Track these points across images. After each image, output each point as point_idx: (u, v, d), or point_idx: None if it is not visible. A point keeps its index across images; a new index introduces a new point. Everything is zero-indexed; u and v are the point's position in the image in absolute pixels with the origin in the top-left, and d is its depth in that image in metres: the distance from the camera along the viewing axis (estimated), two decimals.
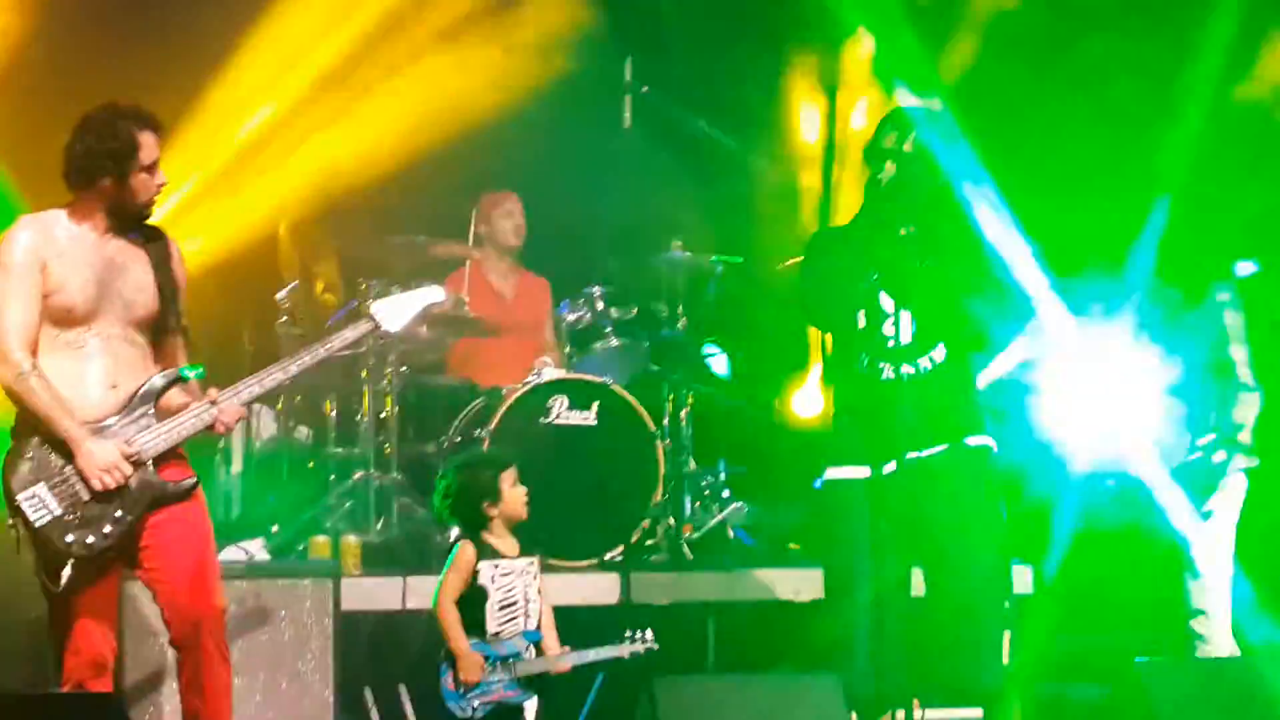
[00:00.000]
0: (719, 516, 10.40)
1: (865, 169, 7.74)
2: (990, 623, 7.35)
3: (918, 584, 7.57)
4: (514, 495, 7.60)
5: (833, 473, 7.63)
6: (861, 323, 7.59)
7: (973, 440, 7.54)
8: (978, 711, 7.93)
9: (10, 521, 6.81)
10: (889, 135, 7.65)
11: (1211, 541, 8.58)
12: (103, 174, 6.94)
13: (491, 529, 7.58)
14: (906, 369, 7.50)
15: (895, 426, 7.36)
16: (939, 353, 7.54)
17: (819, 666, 7.36)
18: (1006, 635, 7.37)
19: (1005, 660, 7.36)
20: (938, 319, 7.55)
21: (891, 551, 7.40)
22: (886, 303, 7.56)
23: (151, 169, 6.97)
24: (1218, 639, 8.52)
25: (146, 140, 6.93)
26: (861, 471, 7.39)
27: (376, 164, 11.34)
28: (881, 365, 7.54)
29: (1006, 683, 7.39)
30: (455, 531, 7.87)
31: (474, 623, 7.46)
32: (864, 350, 7.60)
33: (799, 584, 9.40)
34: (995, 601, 7.39)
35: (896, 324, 7.49)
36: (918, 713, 7.89)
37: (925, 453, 7.45)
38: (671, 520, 10.01)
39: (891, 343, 7.49)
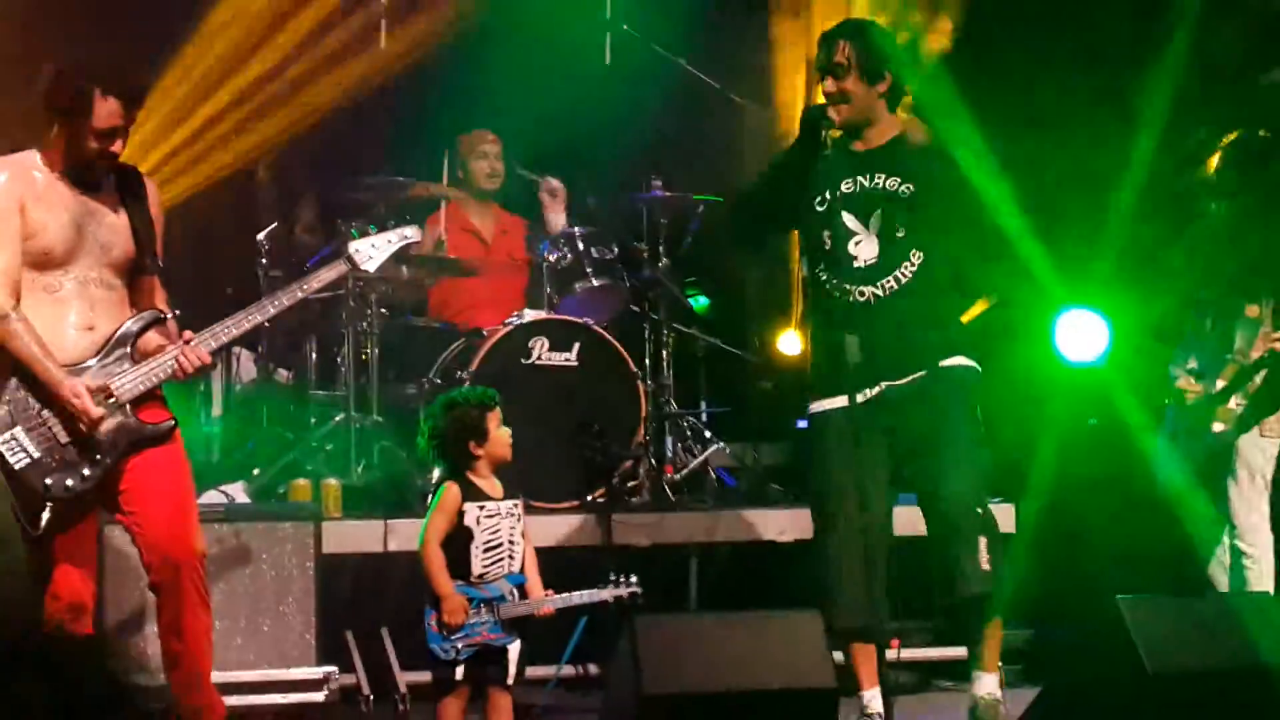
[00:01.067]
0: (700, 457, 10.40)
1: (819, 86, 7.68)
2: (971, 534, 7.35)
3: (901, 522, 7.56)
4: (499, 435, 7.57)
5: (815, 406, 7.61)
6: (827, 244, 7.54)
7: (950, 362, 7.49)
8: (957, 651, 7.96)
9: None
10: (838, 49, 7.59)
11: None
12: (56, 121, 6.87)
13: (476, 470, 7.55)
14: (871, 290, 7.45)
15: (867, 354, 7.33)
16: (905, 272, 7.47)
17: (802, 606, 7.35)
18: (983, 541, 7.36)
19: (986, 567, 7.36)
20: (905, 239, 7.48)
21: (874, 484, 7.39)
22: (851, 222, 7.53)
23: (104, 135, 6.83)
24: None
25: (105, 106, 6.78)
26: (840, 402, 7.37)
27: (355, 102, 11.31)
28: (847, 287, 7.50)
29: (993, 588, 7.41)
30: (437, 473, 7.85)
31: (459, 564, 7.44)
32: (829, 272, 7.56)
33: (782, 525, 9.40)
34: (974, 514, 7.38)
35: (861, 243, 7.47)
36: (892, 653, 7.91)
37: (901, 381, 7.43)
38: (653, 461, 10.00)
39: (856, 263, 7.46)
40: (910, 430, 7.43)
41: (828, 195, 7.52)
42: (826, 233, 7.53)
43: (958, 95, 8.36)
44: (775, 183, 7.59)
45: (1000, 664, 7.61)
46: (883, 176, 7.51)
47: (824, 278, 7.58)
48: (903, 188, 7.50)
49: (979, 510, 7.41)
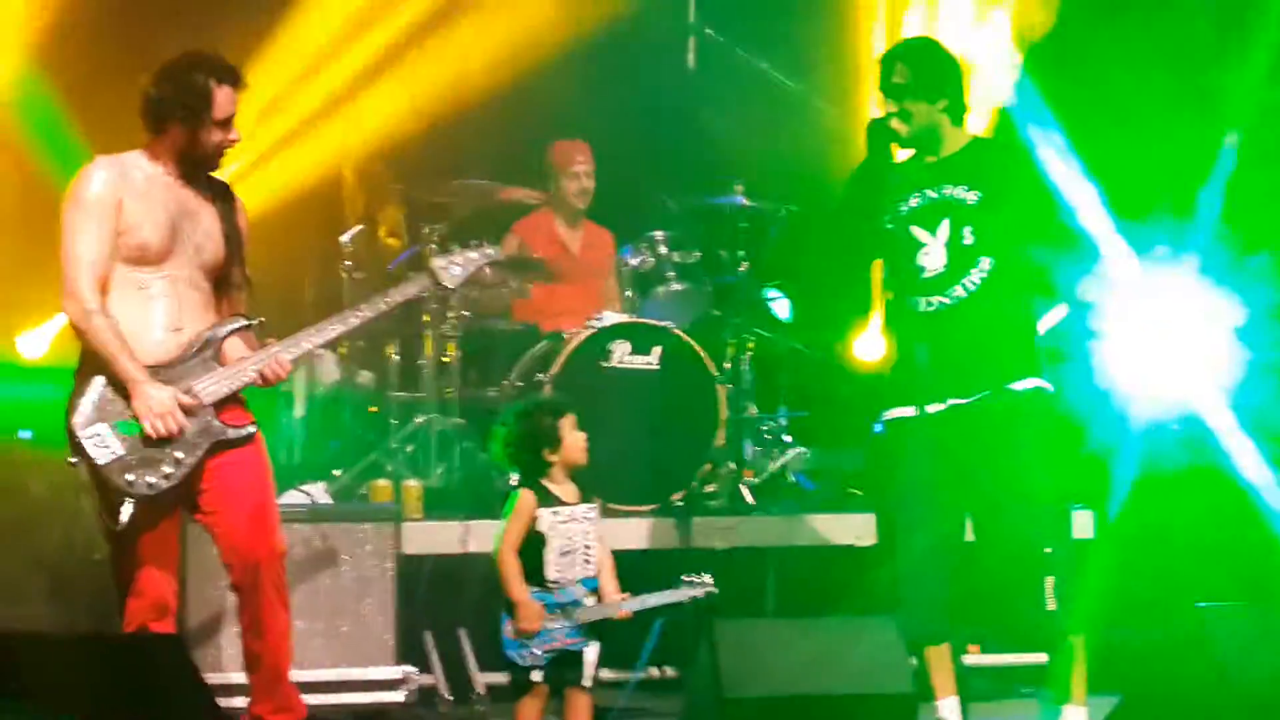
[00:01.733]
0: (780, 461, 10.39)
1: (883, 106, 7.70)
2: (1031, 570, 7.32)
3: (969, 528, 7.54)
4: (574, 441, 7.59)
5: (888, 414, 7.62)
6: (900, 257, 7.56)
7: (1019, 385, 7.45)
8: (1036, 656, 7.92)
9: (73, 459, 6.87)
10: (896, 70, 7.62)
11: None
12: (175, 121, 7.00)
13: (551, 475, 7.58)
14: (939, 299, 7.45)
15: (938, 364, 7.33)
16: (973, 281, 7.45)
17: (878, 611, 7.35)
18: (1050, 581, 7.32)
19: (1051, 606, 7.32)
20: (973, 247, 7.48)
21: (945, 493, 7.38)
22: (920, 234, 7.54)
23: (225, 124, 7.02)
24: None
25: (222, 95, 6.98)
26: (910, 411, 7.39)
27: (442, 106, 11.35)
28: (916, 299, 7.51)
29: (1051, 628, 7.37)
30: (515, 477, 7.89)
31: (533, 569, 7.47)
32: (902, 285, 7.58)
33: (859, 529, 9.38)
34: (1037, 548, 7.34)
35: (924, 253, 7.48)
36: (971, 658, 7.90)
37: (968, 400, 7.41)
38: (732, 465, 10.00)
39: (925, 273, 7.47)
40: (972, 454, 7.39)
41: (900, 209, 7.56)
42: (899, 246, 7.56)
43: (1044, 93, 8.36)
44: (851, 202, 7.63)
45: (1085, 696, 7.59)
46: (950, 186, 7.53)
47: (897, 290, 7.61)
48: (969, 195, 7.50)
49: (1042, 550, 7.35)
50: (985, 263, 7.46)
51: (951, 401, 7.40)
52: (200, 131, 6.99)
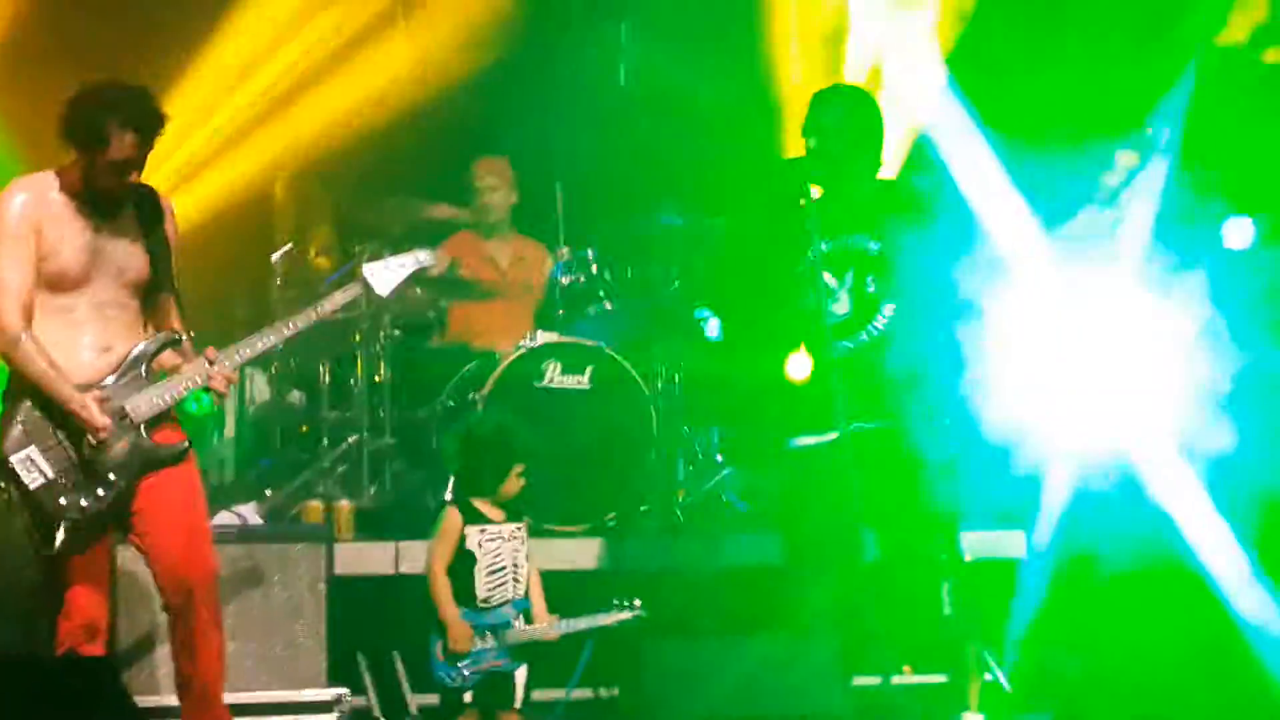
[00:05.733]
0: (712, 481, 10.39)
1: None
2: (931, 582, 7.45)
3: (872, 547, 7.68)
4: (516, 483, 7.62)
5: (794, 441, 7.83)
6: (811, 301, 7.75)
7: (917, 410, 7.69)
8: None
9: (1, 485, 6.82)
10: (822, 114, 7.75)
11: None
12: (74, 150, 6.91)
13: (483, 495, 7.58)
14: (845, 343, 7.58)
15: (842, 396, 7.49)
16: (876, 326, 7.62)
17: (812, 631, 7.39)
18: (945, 587, 7.46)
19: (946, 611, 7.46)
20: (877, 296, 7.64)
21: (845, 517, 7.52)
22: (830, 280, 7.65)
23: (121, 167, 6.87)
24: None
25: (122, 140, 6.82)
26: (814, 439, 7.69)
27: (371, 122, 11.33)
28: (826, 340, 7.69)
29: (949, 635, 7.51)
30: (448, 492, 7.89)
31: (463, 589, 7.47)
32: (811, 326, 7.76)
33: None
34: (930, 560, 7.51)
35: (834, 300, 7.65)
36: (901, 678, 7.97)
37: (871, 425, 7.54)
38: (665, 485, 9.99)
39: (835, 318, 7.59)
40: (872, 473, 7.58)
41: (810, 255, 7.66)
42: (811, 290, 7.73)
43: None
44: (767, 242, 7.76)
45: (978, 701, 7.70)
46: (856, 235, 7.69)
47: (809, 332, 7.77)
48: (872, 244, 7.67)
49: (941, 557, 7.48)
50: (888, 309, 7.70)
51: (854, 426, 7.49)
52: (93, 167, 6.88)
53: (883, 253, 7.72)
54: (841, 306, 7.70)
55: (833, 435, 7.63)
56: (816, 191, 7.75)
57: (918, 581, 7.53)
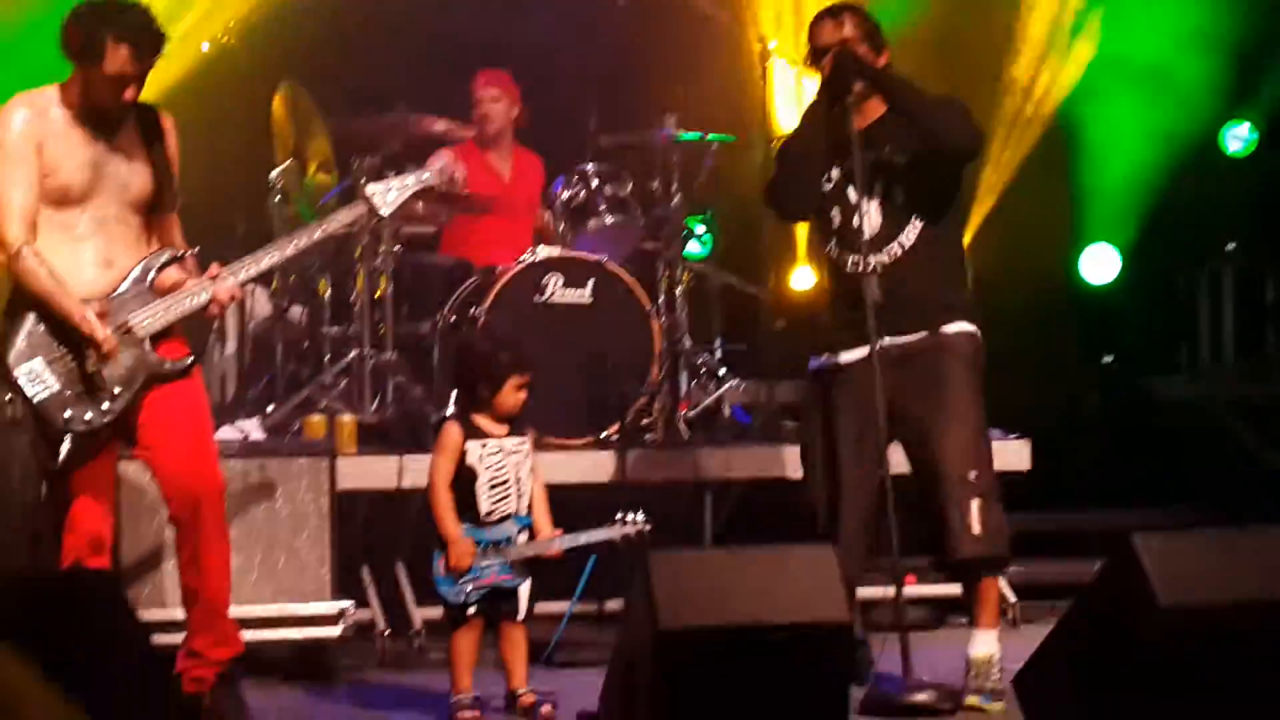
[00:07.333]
0: (715, 394, 10.40)
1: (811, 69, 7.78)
2: (962, 499, 7.42)
3: (898, 462, 7.63)
4: (512, 395, 7.58)
5: (814, 362, 7.80)
6: (836, 220, 7.63)
7: (949, 327, 7.61)
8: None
9: (8, 397, 6.82)
10: (820, 30, 7.67)
11: None
12: (74, 63, 6.88)
13: (481, 409, 7.57)
14: (877, 259, 7.52)
15: (870, 314, 7.40)
16: (908, 237, 7.57)
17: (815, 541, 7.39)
18: (975, 504, 7.44)
19: (977, 531, 7.45)
20: (905, 206, 7.58)
21: (872, 433, 7.49)
22: (853, 196, 7.58)
23: (117, 81, 6.82)
24: None
25: (117, 53, 6.77)
26: (845, 357, 7.60)
27: (368, 36, 11.29)
28: (852, 258, 7.59)
29: (988, 550, 7.51)
30: (449, 409, 7.89)
31: (466, 503, 7.47)
32: (835, 243, 7.69)
33: (796, 461, 9.38)
34: (966, 481, 7.46)
35: (862, 216, 7.54)
36: (909, 588, 7.97)
37: (901, 340, 7.49)
38: (668, 398, 10.01)
39: (860, 236, 7.53)
40: (906, 390, 7.52)
41: (834, 173, 7.60)
42: (836, 209, 7.66)
43: None
44: (812, 143, 7.66)
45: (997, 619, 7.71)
46: (878, 148, 7.59)
47: (835, 254, 7.71)
48: (897, 156, 7.59)
49: (972, 475, 7.46)
50: (917, 221, 7.60)
51: (887, 340, 7.46)
52: (90, 82, 6.84)
53: (912, 164, 7.60)
54: (871, 222, 7.58)
55: (848, 356, 7.61)
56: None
57: (939, 519, 7.49)
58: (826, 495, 7.65)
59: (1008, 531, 7.62)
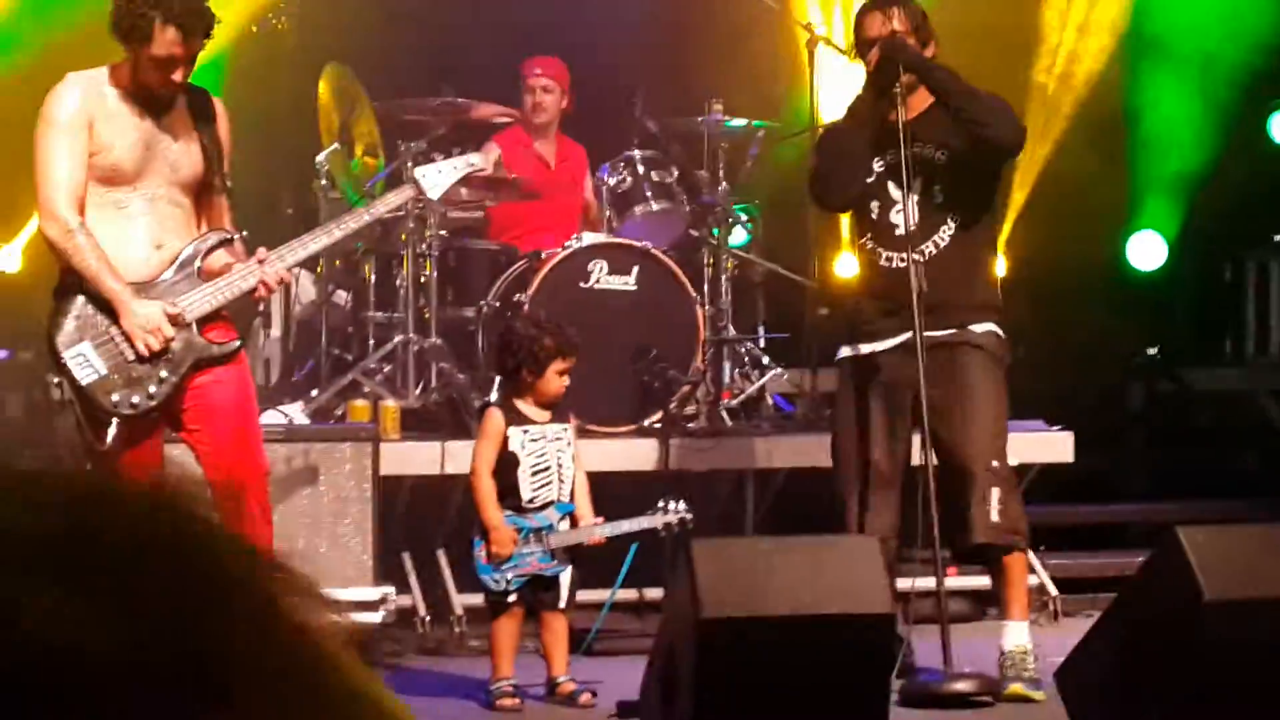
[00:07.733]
0: (758, 383, 10.39)
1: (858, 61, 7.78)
2: (982, 487, 7.41)
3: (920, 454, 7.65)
4: (555, 380, 7.57)
5: (844, 350, 7.86)
6: (875, 213, 7.64)
7: (977, 327, 7.65)
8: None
9: (56, 380, 6.83)
10: (868, 21, 7.66)
11: None
12: (122, 44, 6.89)
13: (523, 396, 7.57)
14: (913, 255, 7.52)
15: (903, 307, 7.41)
16: (943, 237, 7.57)
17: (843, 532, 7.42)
18: (995, 492, 7.44)
19: (995, 519, 7.45)
20: (943, 205, 7.59)
21: (899, 423, 7.55)
22: (893, 191, 7.57)
23: (164, 64, 6.78)
24: None
25: (165, 35, 6.72)
26: (875, 346, 7.67)
27: (417, 20, 11.30)
28: (885, 253, 7.62)
29: (1006, 540, 7.52)
30: (493, 395, 7.88)
31: (508, 489, 7.47)
32: (870, 236, 7.71)
33: None
34: (986, 472, 7.47)
35: (901, 212, 7.55)
36: (950, 580, 7.97)
37: (928, 334, 7.50)
38: (710, 386, 10.00)
39: (898, 231, 7.52)
40: (929, 379, 7.51)
41: (875, 166, 7.59)
42: (875, 202, 7.66)
43: None
44: (857, 135, 7.66)
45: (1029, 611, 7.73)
46: (921, 144, 7.57)
47: (870, 246, 7.74)
48: (938, 154, 7.56)
49: (994, 464, 7.45)
50: (953, 219, 7.62)
51: (913, 336, 7.46)
52: (138, 63, 6.82)
53: (951, 162, 7.62)
54: (907, 218, 7.58)
55: (874, 346, 7.62)
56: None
57: (958, 506, 7.49)
58: (858, 488, 7.63)
59: (1026, 521, 7.63)
